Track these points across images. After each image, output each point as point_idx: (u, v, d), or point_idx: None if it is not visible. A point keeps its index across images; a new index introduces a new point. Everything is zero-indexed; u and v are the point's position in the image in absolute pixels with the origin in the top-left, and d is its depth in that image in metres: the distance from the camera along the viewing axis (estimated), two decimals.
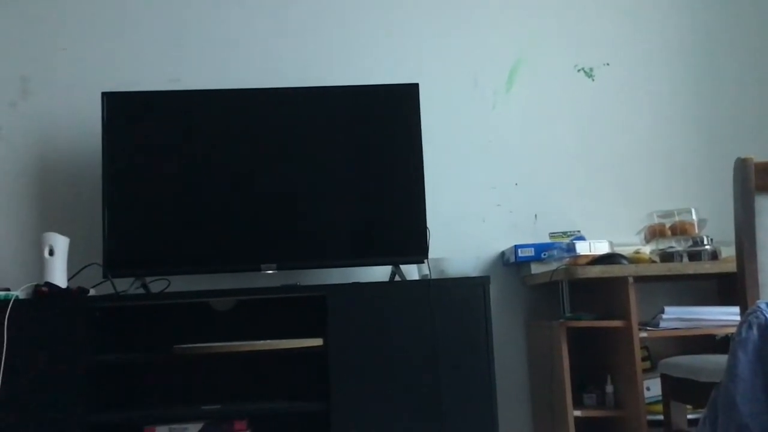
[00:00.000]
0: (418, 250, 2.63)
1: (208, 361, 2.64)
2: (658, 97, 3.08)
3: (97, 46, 2.97)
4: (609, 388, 2.61)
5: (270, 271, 2.63)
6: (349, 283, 2.65)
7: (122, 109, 2.67)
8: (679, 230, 2.63)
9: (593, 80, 3.08)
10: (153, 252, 2.62)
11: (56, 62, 2.95)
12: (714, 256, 2.54)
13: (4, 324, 2.34)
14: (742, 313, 1.69)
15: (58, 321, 2.38)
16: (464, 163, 2.99)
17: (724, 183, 2.42)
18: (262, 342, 2.44)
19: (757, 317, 1.57)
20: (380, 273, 2.83)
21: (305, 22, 3.03)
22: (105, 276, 2.57)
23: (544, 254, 2.73)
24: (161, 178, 2.65)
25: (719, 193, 2.88)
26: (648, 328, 2.50)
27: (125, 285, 2.59)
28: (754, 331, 1.56)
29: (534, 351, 2.86)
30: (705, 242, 2.56)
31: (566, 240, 2.75)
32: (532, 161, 3.01)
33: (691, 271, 2.49)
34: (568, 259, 2.59)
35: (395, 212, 2.67)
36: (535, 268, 2.75)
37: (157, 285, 2.67)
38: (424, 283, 2.52)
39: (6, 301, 2.35)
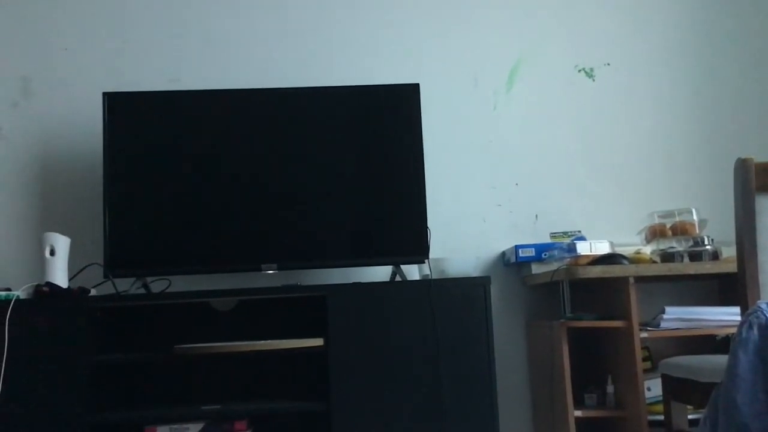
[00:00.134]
0: (419, 250, 2.63)
1: (208, 361, 2.64)
2: (658, 97, 3.08)
3: (97, 46, 2.97)
4: (609, 389, 2.61)
5: (271, 271, 2.63)
6: (349, 283, 2.65)
7: (123, 109, 2.67)
8: (680, 230, 2.62)
9: (594, 80, 3.07)
10: (154, 252, 2.62)
11: (57, 62, 2.95)
12: (714, 256, 2.54)
13: (5, 324, 2.34)
14: (742, 314, 1.69)
15: (59, 321, 2.38)
16: (464, 163, 3.00)
17: (724, 183, 2.43)
18: (262, 342, 2.44)
19: (757, 317, 1.57)
20: (381, 273, 2.84)
21: (305, 22, 3.03)
22: (106, 276, 2.57)
23: (545, 254, 2.73)
24: (162, 177, 2.65)
25: (720, 194, 2.89)
26: (649, 328, 2.50)
27: (126, 285, 2.59)
28: (755, 331, 1.56)
29: (534, 351, 2.85)
30: (706, 242, 2.56)
31: (567, 240, 2.75)
32: (533, 161, 3.01)
33: (691, 272, 2.49)
34: (568, 260, 2.59)
35: (396, 212, 2.67)
36: (536, 268, 2.75)
37: (157, 285, 2.67)
38: (424, 283, 2.52)
39: (7, 301, 2.35)
